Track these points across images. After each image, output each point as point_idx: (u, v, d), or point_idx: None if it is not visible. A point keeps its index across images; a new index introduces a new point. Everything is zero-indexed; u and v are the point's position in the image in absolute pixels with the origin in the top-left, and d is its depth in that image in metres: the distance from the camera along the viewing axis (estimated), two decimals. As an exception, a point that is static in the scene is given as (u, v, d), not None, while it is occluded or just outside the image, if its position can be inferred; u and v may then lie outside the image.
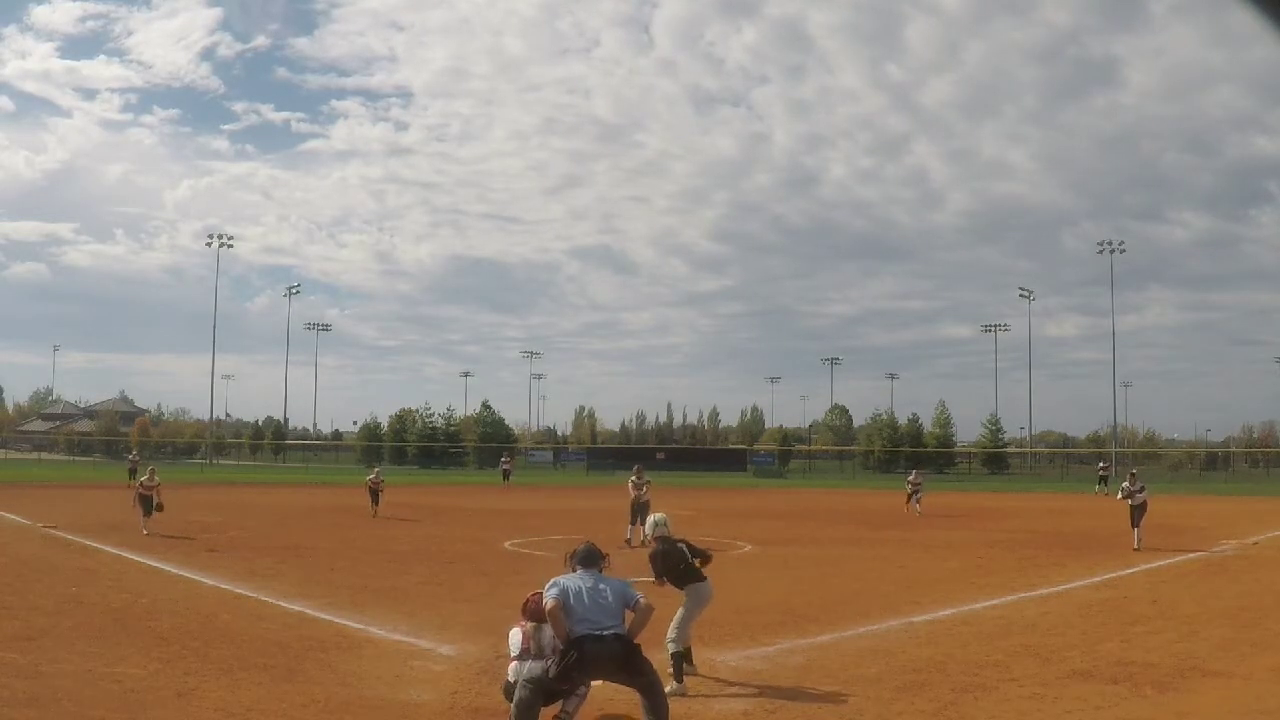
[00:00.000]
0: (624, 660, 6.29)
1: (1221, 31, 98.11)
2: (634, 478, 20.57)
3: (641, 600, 6.53)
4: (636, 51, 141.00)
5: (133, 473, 37.49)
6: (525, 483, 49.05)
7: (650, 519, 9.06)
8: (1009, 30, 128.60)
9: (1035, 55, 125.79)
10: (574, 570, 6.69)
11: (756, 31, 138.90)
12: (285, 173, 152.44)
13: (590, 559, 6.74)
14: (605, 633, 6.30)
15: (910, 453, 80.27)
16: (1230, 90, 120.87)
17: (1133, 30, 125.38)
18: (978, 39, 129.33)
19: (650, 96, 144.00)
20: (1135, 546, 18.78)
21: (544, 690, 6.35)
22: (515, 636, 6.97)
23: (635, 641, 6.37)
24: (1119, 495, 20.26)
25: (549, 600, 6.39)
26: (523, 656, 6.82)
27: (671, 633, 8.01)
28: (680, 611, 8.16)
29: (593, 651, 6.23)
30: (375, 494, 26.70)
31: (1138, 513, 19.43)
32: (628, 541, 18.37)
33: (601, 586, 6.53)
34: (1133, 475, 20.71)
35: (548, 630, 6.66)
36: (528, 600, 6.98)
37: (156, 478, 21.31)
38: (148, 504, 20.45)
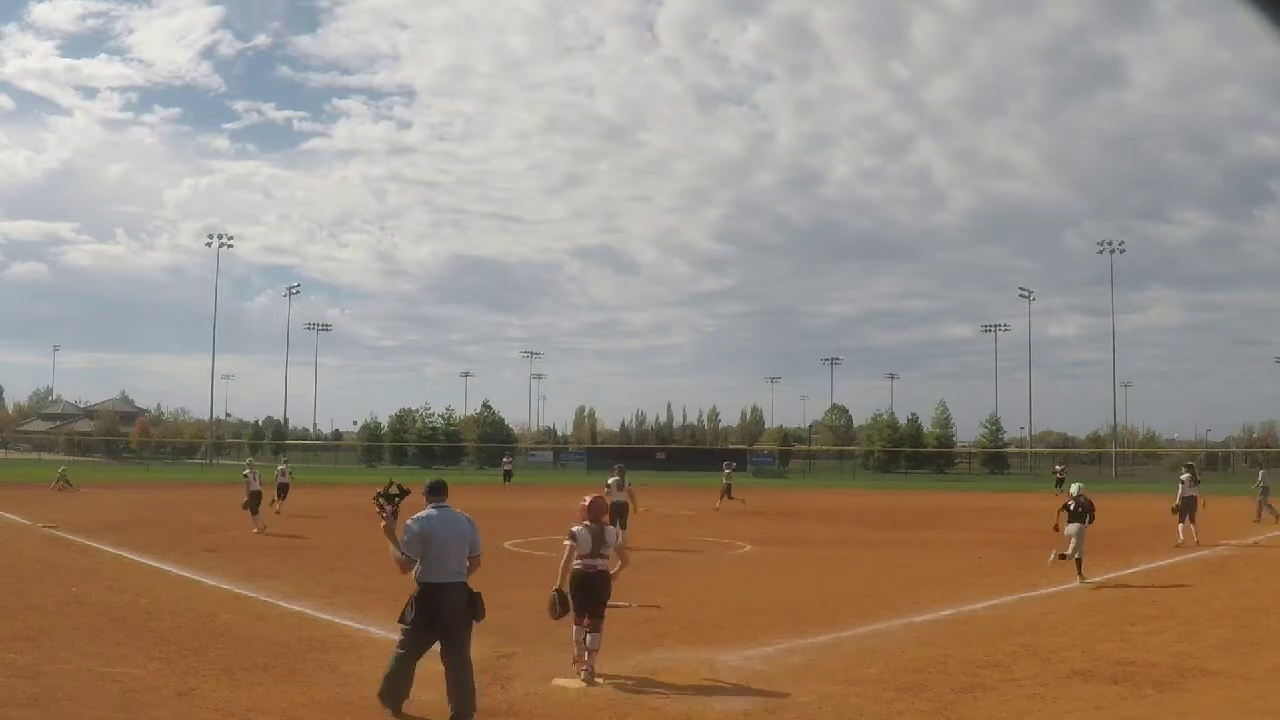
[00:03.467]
0: (465, 606, 6.82)
1: (1227, 30, 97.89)
2: (617, 477, 19.27)
3: (481, 553, 7.10)
4: (640, 50, 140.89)
5: (65, 481, 35.97)
6: (525, 483, 49.00)
7: (1076, 485, 15.49)
8: (1014, 29, 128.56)
9: (1040, 54, 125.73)
10: (428, 506, 7.05)
11: (761, 30, 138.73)
12: (286, 172, 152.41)
13: (438, 490, 7.14)
14: (453, 581, 6.83)
15: (910, 453, 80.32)
16: (1235, 89, 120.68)
17: (1138, 29, 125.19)
18: (983, 37, 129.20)
19: (654, 95, 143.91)
20: (1194, 540, 19.17)
21: (412, 649, 6.87)
22: (577, 528, 8.27)
23: (475, 591, 6.90)
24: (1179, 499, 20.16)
25: (399, 558, 6.91)
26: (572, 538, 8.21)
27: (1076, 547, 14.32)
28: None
29: (444, 599, 6.73)
30: (284, 489, 26.27)
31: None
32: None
33: (457, 533, 6.94)
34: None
35: (609, 531, 8.45)
36: (592, 502, 8.49)
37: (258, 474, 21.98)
38: (256, 501, 21.08)
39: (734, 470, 35.13)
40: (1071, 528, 14.59)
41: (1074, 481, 16.60)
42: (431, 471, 71.10)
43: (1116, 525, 25.66)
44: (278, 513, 24.62)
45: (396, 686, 6.88)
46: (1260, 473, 29.63)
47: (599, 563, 8.29)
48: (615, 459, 32.63)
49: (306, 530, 21.86)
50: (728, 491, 31.90)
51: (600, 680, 7.95)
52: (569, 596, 8.09)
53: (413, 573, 6.91)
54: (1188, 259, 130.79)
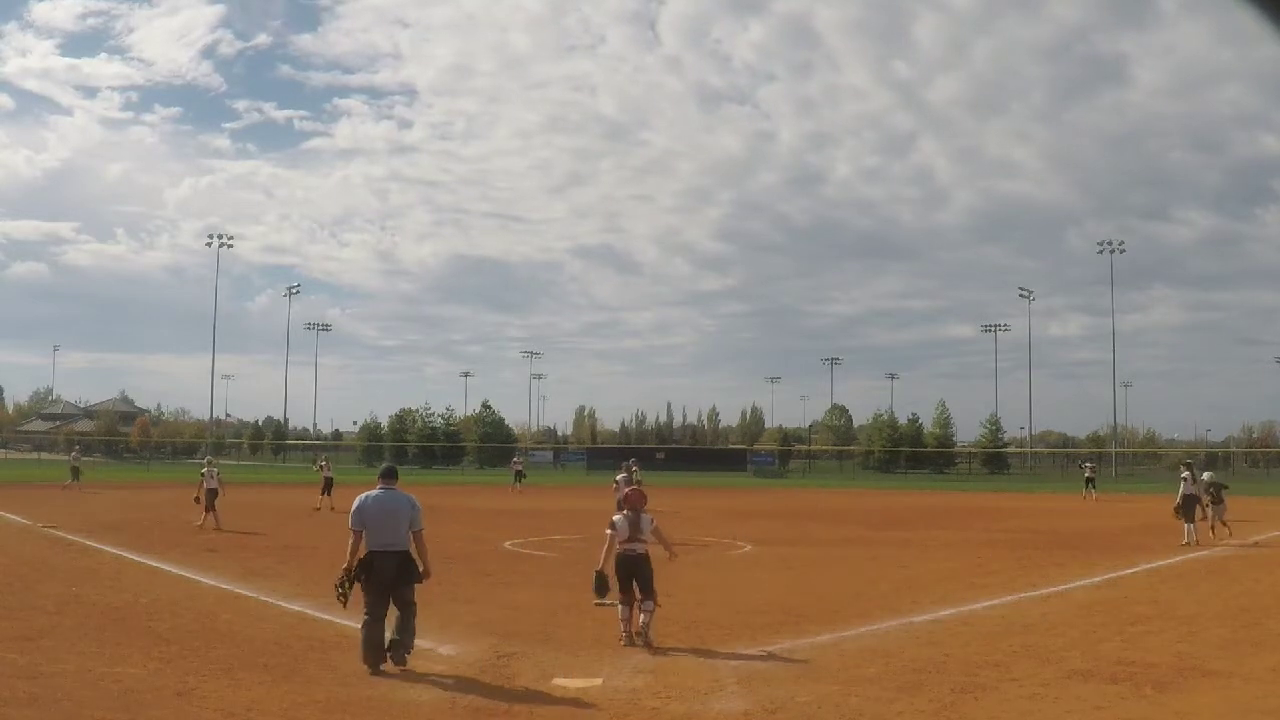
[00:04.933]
0: (398, 572, 8.14)
1: (1230, 28, 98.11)
2: (625, 474, 20.49)
3: (423, 528, 8.38)
4: (643, 49, 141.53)
5: (75, 473, 36.35)
6: (525, 483, 48.98)
7: (1209, 474, 20.08)
8: (1017, 27, 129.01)
9: (1043, 53, 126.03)
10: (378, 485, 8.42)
11: (764, 28, 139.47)
12: (287, 171, 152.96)
13: (386, 474, 8.57)
14: (391, 549, 8.15)
15: (910, 453, 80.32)
16: (1237, 88, 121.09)
17: (1142, 27, 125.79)
18: (986, 36, 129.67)
19: (656, 94, 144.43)
20: (1194, 539, 19.39)
21: (374, 612, 8.05)
22: (617, 517, 9.53)
23: (413, 558, 8.25)
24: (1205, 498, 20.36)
25: (351, 533, 8.23)
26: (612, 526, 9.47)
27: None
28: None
29: (379, 565, 8.12)
30: (329, 483, 27.57)
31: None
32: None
33: (393, 508, 8.29)
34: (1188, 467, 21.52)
35: (644, 518, 9.47)
36: (626, 494, 10.01)
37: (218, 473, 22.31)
38: (211, 499, 21.33)
39: (637, 469, 31.89)
40: (1217, 509, 19.81)
41: (1205, 472, 21.17)
42: (432, 471, 71.21)
43: (1116, 525, 25.70)
44: (318, 509, 25.65)
45: (372, 648, 8.01)
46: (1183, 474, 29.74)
47: (638, 546, 9.36)
48: (616, 459, 32.66)
49: (307, 531, 21.84)
50: None
51: (655, 648, 9.00)
52: (606, 578, 9.47)
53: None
54: (1189, 258, 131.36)
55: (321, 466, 29.25)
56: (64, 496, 31.71)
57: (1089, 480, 39.26)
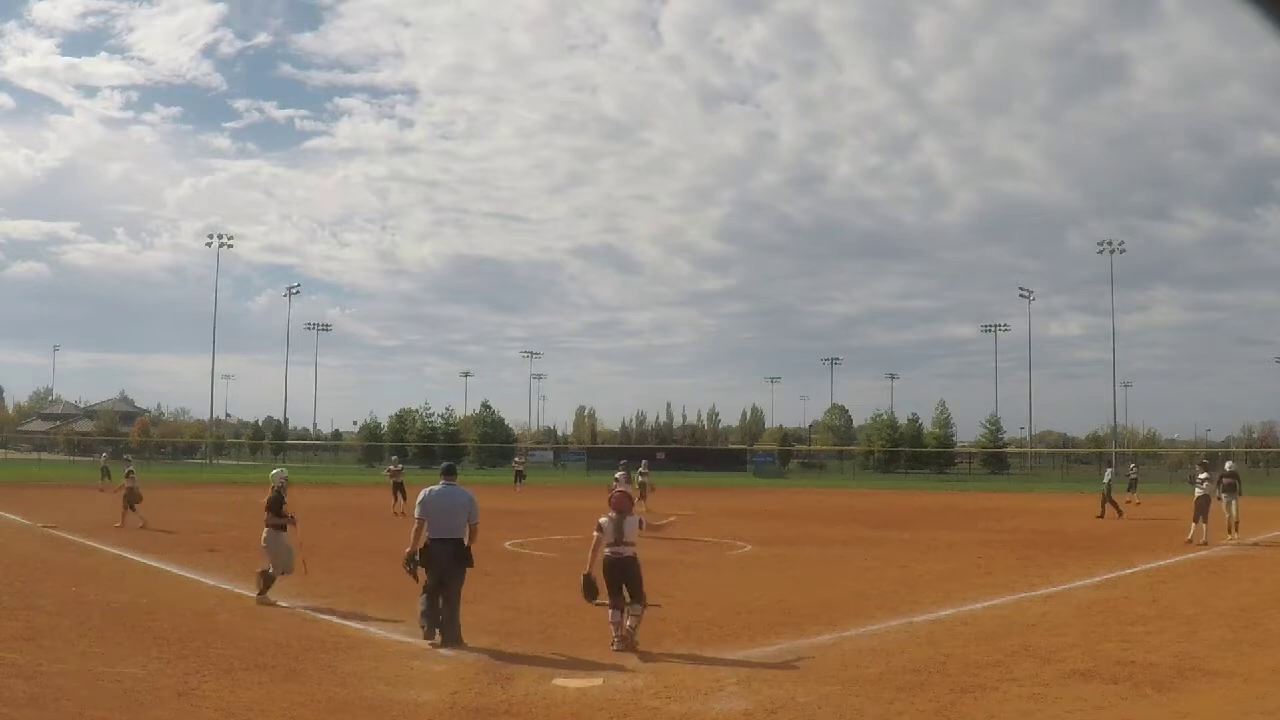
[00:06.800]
0: (454, 558, 9.24)
1: (1232, 28, 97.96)
2: (623, 474, 20.89)
3: (477, 521, 9.54)
4: (644, 48, 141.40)
5: (105, 473, 36.71)
6: (525, 483, 48.95)
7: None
8: (1019, 26, 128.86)
9: (1046, 52, 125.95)
10: (440, 482, 9.56)
11: (766, 28, 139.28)
12: (288, 171, 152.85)
13: (447, 471, 9.85)
14: (448, 538, 9.27)
15: (910, 453, 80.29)
16: (1240, 88, 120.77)
17: (1144, 27, 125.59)
18: (988, 35, 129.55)
19: (657, 94, 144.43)
20: (1202, 540, 19.43)
21: (430, 590, 9.20)
22: (603, 519, 9.47)
23: (467, 545, 9.39)
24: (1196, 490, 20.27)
25: (415, 520, 9.46)
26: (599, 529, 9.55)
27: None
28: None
29: (437, 551, 9.23)
30: (400, 487, 26.80)
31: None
32: None
33: (453, 502, 9.47)
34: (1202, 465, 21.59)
35: (630, 520, 9.44)
36: (611, 496, 9.76)
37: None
38: (132, 499, 21.88)
39: (644, 469, 29.98)
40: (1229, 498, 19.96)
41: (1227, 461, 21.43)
42: (432, 472, 71.20)
43: (1116, 525, 25.72)
44: (398, 514, 24.83)
45: (428, 621, 9.15)
46: (1108, 470, 29.95)
47: (625, 549, 9.35)
48: (616, 459, 32.63)
49: (307, 531, 21.78)
50: (642, 492, 27.77)
51: (635, 646, 9.08)
52: (594, 581, 9.39)
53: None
54: (1190, 258, 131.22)
55: (391, 470, 28.33)
56: (103, 497, 31.65)
57: (1133, 481, 37.17)
